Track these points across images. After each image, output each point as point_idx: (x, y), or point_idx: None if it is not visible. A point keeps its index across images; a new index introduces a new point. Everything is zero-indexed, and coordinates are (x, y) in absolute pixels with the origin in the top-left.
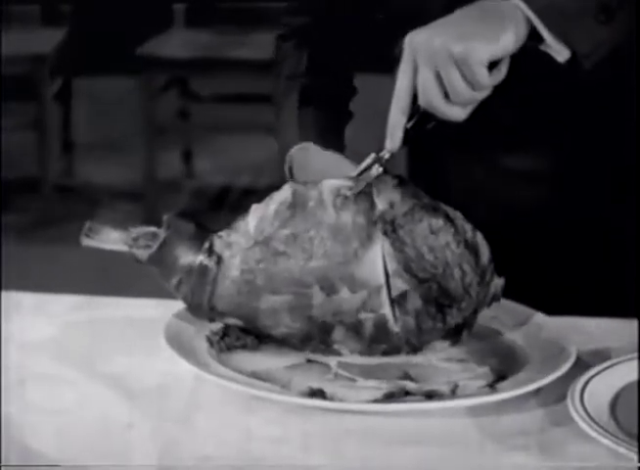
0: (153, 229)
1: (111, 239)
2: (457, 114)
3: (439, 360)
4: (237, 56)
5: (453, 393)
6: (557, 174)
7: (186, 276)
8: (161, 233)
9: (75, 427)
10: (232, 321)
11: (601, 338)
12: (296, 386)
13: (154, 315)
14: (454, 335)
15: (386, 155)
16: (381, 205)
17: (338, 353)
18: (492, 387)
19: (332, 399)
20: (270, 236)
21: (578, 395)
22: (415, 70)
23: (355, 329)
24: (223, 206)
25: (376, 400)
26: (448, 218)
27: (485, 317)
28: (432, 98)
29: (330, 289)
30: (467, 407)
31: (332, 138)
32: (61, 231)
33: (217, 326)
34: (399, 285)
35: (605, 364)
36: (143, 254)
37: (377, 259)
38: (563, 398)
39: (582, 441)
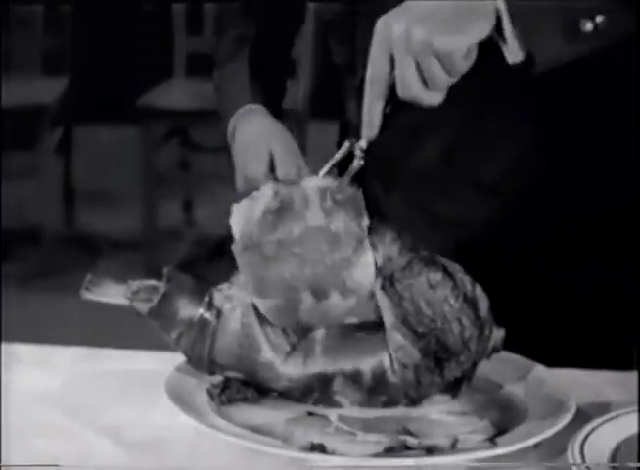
0: (153, 282)
1: (111, 292)
2: (435, 99)
3: (439, 414)
4: None
5: (453, 447)
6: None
7: (186, 330)
8: (162, 286)
9: None
10: (232, 374)
11: (601, 390)
12: (296, 440)
13: (154, 368)
14: (453, 388)
15: (363, 143)
16: (379, 259)
17: (338, 405)
18: (492, 440)
19: (332, 453)
20: (259, 241)
21: (578, 448)
22: (390, 58)
23: (354, 379)
24: (224, 255)
25: (376, 455)
26: (447, 272)
27: (485, 369)
28: (412, 87)
29: (321, 294)
30: (468, 463)
31: (276, 101)
32: (61, 281)
33: (218, 379)
34: (398, 339)
35: (605, 417)
36: (143, 307)
37: (369, 266)
38: (563, 451)
39: None
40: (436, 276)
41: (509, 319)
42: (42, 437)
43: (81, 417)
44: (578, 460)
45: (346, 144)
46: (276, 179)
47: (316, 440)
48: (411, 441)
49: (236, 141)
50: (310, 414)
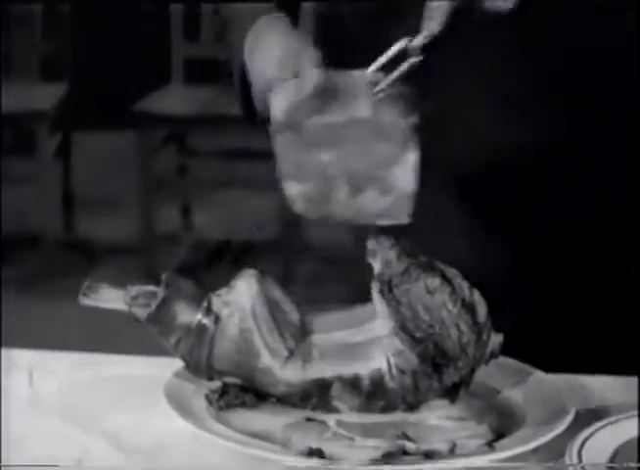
0: (151, 288)
1: (109, 298)
2: (505, 4)
3: (437, 419)
4: (234, 112)
5: (452, 452)
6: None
7: (185, 335)
8: (160, 292)
9: None
10: (231, 380)
11: (600, 395)
12: (295, 445)
13: (153, 373)
14: (451, 393)
15: (421, 40)
16: (376, 265)
17: (337, 411)
18: (491, 445)
19: (331, 458)
20: (302, 122)
21: (576, 453)
22: None
23: (353, 384)
24: (222, 260)
25: (375, 460)
26: (445, 277)
27: (483, 374)
28: None
29: (357, 188)
30: (466, 467)
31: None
32: (61, 286)
33: (216, 384)
34: (396, 344)
35: (604, 422)
36: (142, 313)
37: (411, 166)
38: (561, 456)
39: None
40: (434, 281)
41: (508, 325)
42: (40, 442)
43: (79, 422)
44: (577, 465)
45: (402, 41)
46: None
47: (314, 445)
48: (409, 446)
49: (257, 47)
50: (309, 420)
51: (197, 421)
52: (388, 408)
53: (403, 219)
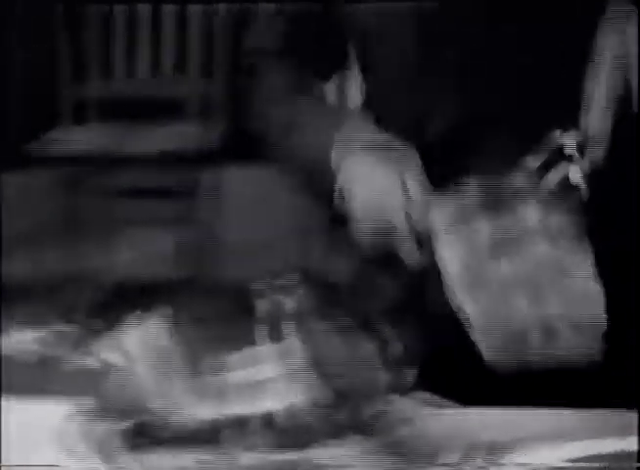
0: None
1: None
2: None
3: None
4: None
5: None
6: None
7: (96, 375)
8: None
9: None
10: (144, 418)
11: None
12: None
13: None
14: (368, 428)
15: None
16: (289, 303)
17: (252, 447)
18: None
19: None
20: (488, 273)
21: None
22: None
23: (267, 421)
24: (119, 302)
25: None
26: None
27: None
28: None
29: (551, 332)
30: None
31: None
32: None
33: (130, 423)
34: (311, 380)
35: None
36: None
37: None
38: None
39: None
40: (346, 319)
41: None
42: None
43: None
44: None
45: (557, 138)
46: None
47: None
48: None
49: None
50: (220, 454)
51: (110, 460)
52: (302, 444)
53: (596, 355)
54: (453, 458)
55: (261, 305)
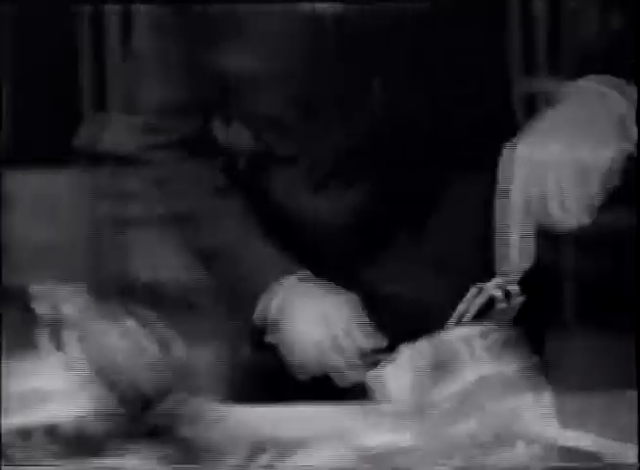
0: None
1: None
2: (573, 222)
3: (136, 460)
4: None
5: None
6: None
7: None
8: None
9: None
10: None
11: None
12: None
13: None
14: (157, 434)
15: (502, 284)
16: (66, 309)
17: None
18: None
19: None
20: (435, 400)
21: None
22: (527, 185)
23: (51, 432)
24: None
25: None
26: (139, 319)
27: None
28: (553, 211)
29: (507, 445)
30: None
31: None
32: None
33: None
34: (94, 390)
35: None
36: None
37: (550, 411)
38: None
39: None
40: (129, 324)
41: None
42: None
43: None
44: None
45: (474, 288)
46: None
47: None
48: None
49: (289, 314)
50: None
51: None
52: (91, 454)
53: (553, 460)
54: (240, 458)
55: (41, 311)
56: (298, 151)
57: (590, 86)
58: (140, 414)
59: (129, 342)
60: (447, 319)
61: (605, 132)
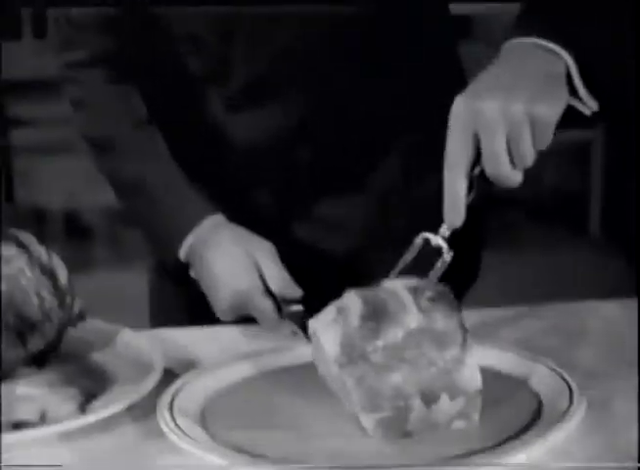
0: None
1: None
2: (518, 179)
3: (26, 388)
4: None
5: (42, 420)
6: None
7: None
8: None
9: None
10: None
11: (188, 347)
12: None
13: None
14: (39, 360)
15: (446, 232)
16: None
17: None
18: (83, 409)
19: None
20: (364, 351)
21: (167, 407)
22: (472, 138)
23: None
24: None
25: None
26: (20, 244)
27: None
28: (501, 165)
29: (431, 399)
30: (58, 433)
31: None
32: None
33: None
34: None
35: (192, 374)
36: None
37: (475, 363)
38: (154, 411)
39: (174, 453)
40: (10, 250)
41: None
42: None
43: None
44: (168, 419)
45: (420, 239)
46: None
47: None
48: None
49: (210, 258)
50: None
51: None
52: None
53: (475, 417)
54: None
55: None
56: (215, 70)
57: (530, 43)
58: (25, 340)
59: (12, 266)
60: (381, 271)
61: (542, 88)
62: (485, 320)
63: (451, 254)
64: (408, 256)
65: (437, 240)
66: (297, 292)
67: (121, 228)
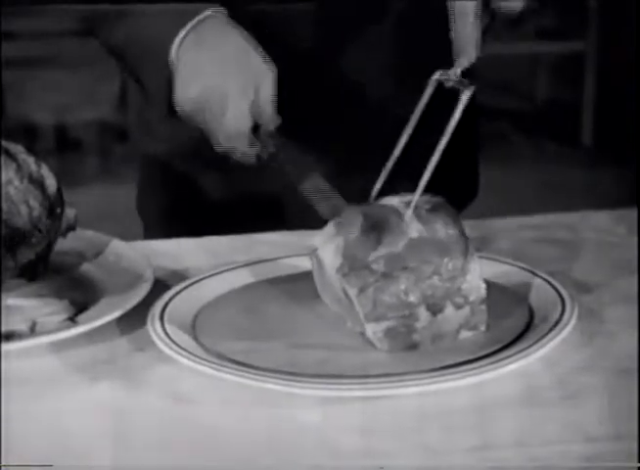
0: None
1: None
2: (519, 5)
3: (15, 299)
4: None
5: (32, 330)
6: None
7: None
8: None
9: None
10: None
11: (179, 258)
12: None
13: None
14: (28, 271)
15: (458, 71)
16: None
17: None
18: (73, 320)
19: None
20: (366, 261)
21: (158, 317)
22: None
23: None
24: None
25: None
26: (8, 154)
27: (62, 249)
28: None
29: (436, 309)
30: (49, 344)
31: None
32: None
33: None
34: None
35: (183, 284)
36: None
37: (478, 272)
38: (144, 322)
39: (164, 363)
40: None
41: None
42: None
43: None
44: (159, 329)
45: (435, 76)
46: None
47: None
48: None
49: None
50: None
51: None
52: None
53: (482, 328)
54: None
55: None
56: None
57: None
58: (14, 251)
59: (0, 176)
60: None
61: None
62: (481, 232)
63: (473, 87)
64: (422, 100)
65: (456, 72)
66: (277, 121)
67: (111, 142)
